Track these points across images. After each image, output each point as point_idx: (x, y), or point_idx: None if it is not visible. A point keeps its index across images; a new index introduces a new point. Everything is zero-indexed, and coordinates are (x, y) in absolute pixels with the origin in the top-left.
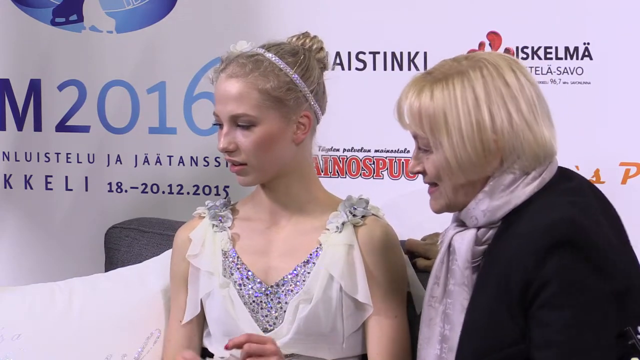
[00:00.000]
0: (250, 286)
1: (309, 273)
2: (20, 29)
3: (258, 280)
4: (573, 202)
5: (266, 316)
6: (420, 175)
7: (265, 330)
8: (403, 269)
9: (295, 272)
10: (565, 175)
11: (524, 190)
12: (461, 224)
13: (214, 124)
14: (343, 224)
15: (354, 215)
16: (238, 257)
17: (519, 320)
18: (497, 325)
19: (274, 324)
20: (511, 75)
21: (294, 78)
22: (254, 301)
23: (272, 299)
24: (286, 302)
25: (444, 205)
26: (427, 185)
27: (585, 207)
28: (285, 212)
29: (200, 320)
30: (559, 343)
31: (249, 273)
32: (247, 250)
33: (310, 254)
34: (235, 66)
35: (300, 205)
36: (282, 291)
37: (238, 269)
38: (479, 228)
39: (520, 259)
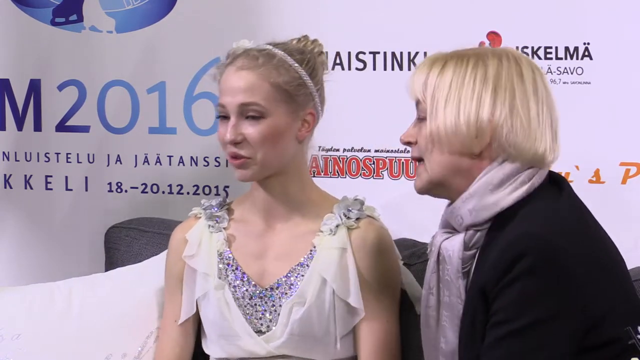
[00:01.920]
0: (245, 288)
1: (302, 276)
2: (20, 29)
3: (252, 282)
4: (549, 216)
5: (260, 319)
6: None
7: (259, 332)
8: (396, 273)
9: (289, 275)
10: (555, 183)
11: (512, 195)
12: (448, 229)
13: (218, 117)
14: (337, 226)
15: (348, 218)
16: (234, 259)
17: None
18: (478, 338)
19: (268, 326)
20: (529, 72)
21: (302, 75)
22: (248, 303)
23: (266, 302)
24: (280, 305)
25: (426, 181)
26: None
27: (562, 222)
28: (280, 214)
29: (196, 320)
30: (498, 355)
31: (244, 275)
32: (243, 252)
33: (304, 257)
34: (245, 59)
35: (296, 206)
36: (276, 294)
37: (233, 271)
38: (466, 232)
39: (490, 274)
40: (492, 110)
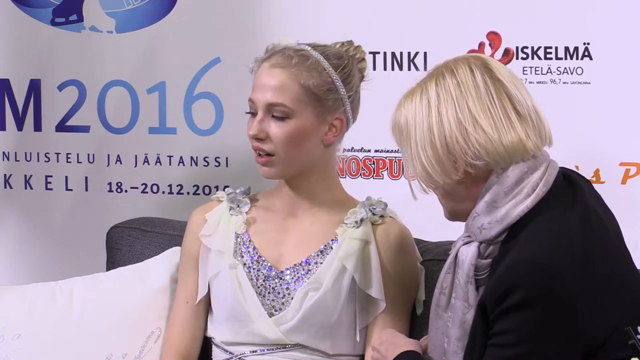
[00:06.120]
0: (259, 269)
1: (321, 263)
2: (20, 29)
3: (268, 264)
4: (550, 235)
5: (273, 300)
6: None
7: (271, 315)
8: (415, 273)
9: (307, 260)
10: (570, 187)
11: (517, 208)
12: (469, 233)
13: (248, 112)
14: (362, 220)
15: (373, 214)
16: (250, 241)
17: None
18: (476, 349)
19: (280, 309)
20: (467, 75)
21: (335, 80)
22: (262, 284)
23: (280, 284)
24: (295, 289)
25: (447, 214)
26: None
27: (562, 243)
28: (304, 206)
29: (207, 303)
30: None
31: (260, 257)
32: (262, 235)
33: (325, 245)
34: (280, 57)
35: (320, 203)
36: (292, 277)
37: (249, 251)
38: (481, 242)
39: (488, 297)
40: (442, 134)
